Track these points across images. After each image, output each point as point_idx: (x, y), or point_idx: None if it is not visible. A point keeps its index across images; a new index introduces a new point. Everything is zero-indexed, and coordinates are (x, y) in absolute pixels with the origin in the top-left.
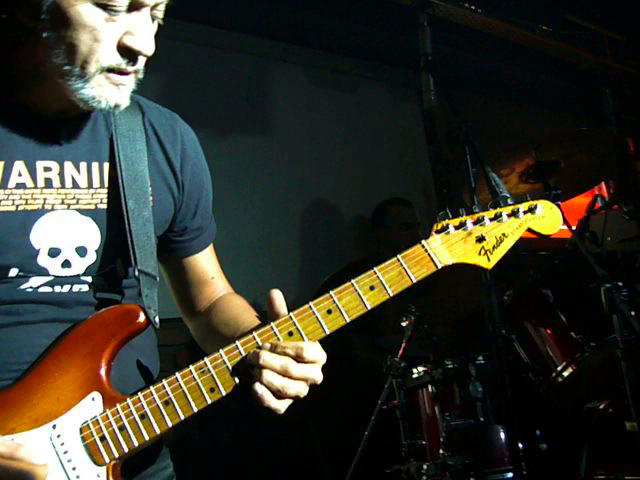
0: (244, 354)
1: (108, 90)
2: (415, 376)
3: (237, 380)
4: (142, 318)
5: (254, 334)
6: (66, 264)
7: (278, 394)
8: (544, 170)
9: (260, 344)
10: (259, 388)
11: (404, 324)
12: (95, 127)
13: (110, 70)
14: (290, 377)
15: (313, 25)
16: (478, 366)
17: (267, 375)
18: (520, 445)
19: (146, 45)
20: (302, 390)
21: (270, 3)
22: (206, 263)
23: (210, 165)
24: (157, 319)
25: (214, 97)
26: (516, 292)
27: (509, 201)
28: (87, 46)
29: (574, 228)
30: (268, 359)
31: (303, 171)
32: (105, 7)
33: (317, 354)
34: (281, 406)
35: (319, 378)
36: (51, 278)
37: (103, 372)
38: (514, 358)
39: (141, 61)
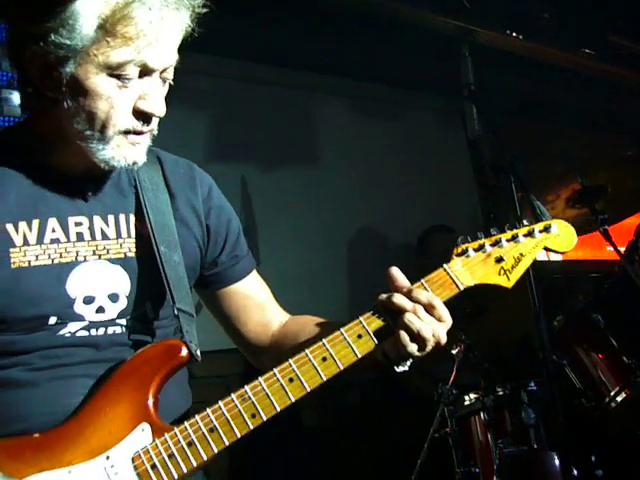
0: (281, 380)
1: (126, 150)
2: (467, 403)
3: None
4: (185, 352)
5: (290, 361)
6: (100, 310)
7: (416, 337)
8: (591, 195)
9: (296, 370)
10: (401, 335)
11: (454, 352)
12: (119, 182)
13: (127, 132)
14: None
15: (356, 57)
16: (530, 392)
17: (406, 318)
18: (575, 471)
19: (158, 108)
20: (437, 332)
21: (313, 37)
22: (254, 288)
23: (259, 198)
24: (198, 352)
25: (262, 132)
26: (566, 317)
27: (524, 222)
28: (104, 113)
29: (623, 251)
30: (401, 300)
31: (350, 201)
32: (118, 77)
33: (445, 313)
34: (420, 352)
35: (444, 338)
36: (87, 323)
37: (151, 404)
38: (566, 384)
39: (154, 122)
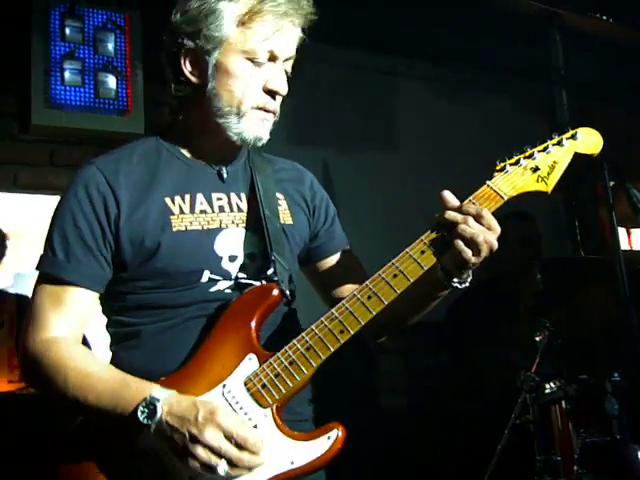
0: (361, 298)
1: (255, 125)
2: (548, 391)
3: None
4: (276, 292)
5: (366, 282)
6: (242, 267)
7: (470, 243)
8: None
9: (372, 288)
10: (456, 243)
11: (538, 339)
12: (245, 168)
13: (258, 108)
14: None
15: (436, 39)
16: (614, 382)
17: (459, 227)
18: None
19: (282, 86)
20: (488, 238)
21: (392, 19)
22: (348, 260)
23: (340, 181)
24: (288, 292)
25: (343, 115)
26: None
27: (554, 135)
28: (240, 90)
29: None
30: (452, 214)
31: (428, 185)
32: (252, 60)
33: (493, 222)
34: (475, 257)
35: (495, 244)
36: (232, 283)
37: (254, 337)
38: None
39: (278, 100)
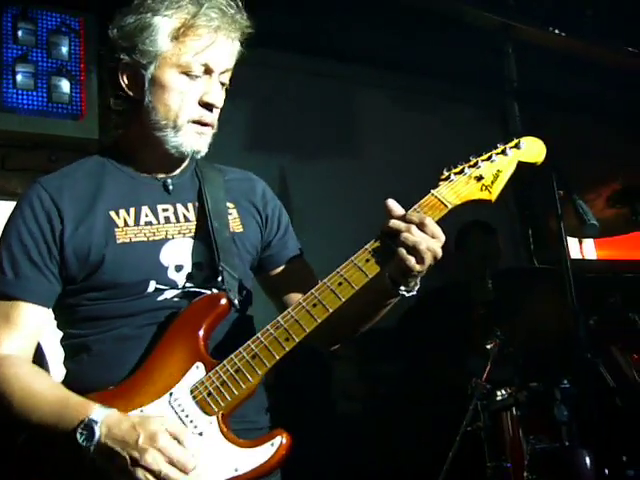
0: (306, 306)
1: (192, 138)
2: (499, 398)
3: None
4: (224, 301)
5: (312, 290)
6: (189, 277)
7: (413, 251)
8: (632, 195)
9: (317, 296)
10: (399, 251)
11: (489, 346)
12: (192, 178)
13: (194, 122)
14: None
15: (398, 49)
16: (563, 390)
17: (402, 236)
18: (606, 470)
19: (217, 99)
20: (432, 246)
21: (354, 28)
22: (302, 269)
23: (297, 188)
24: (236, 301)
25: (302, 122)
26: (602, 316)
27: (498, 145)
28: (177, 104)
29: None
30: (396, 223)
31: (388, 193)
32: (187, 74)
33: (437, 230)
34: (419, 265)
35: (439, 252)
36: (180, 291)
37: (202, 346)
38: (600, 382)
39: (215, 112)
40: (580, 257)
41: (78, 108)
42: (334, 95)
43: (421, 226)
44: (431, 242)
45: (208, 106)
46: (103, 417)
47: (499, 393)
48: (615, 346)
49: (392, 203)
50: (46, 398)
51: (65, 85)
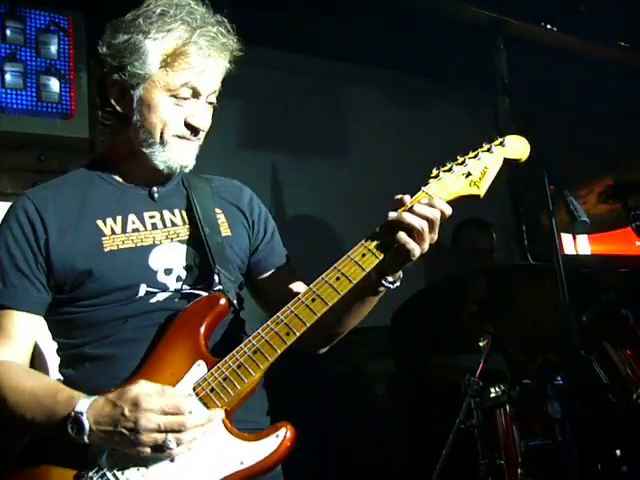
0: (305, 301)
1: (178, 153)
2: (493, 395)
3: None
4: (223, 301)
5: (310, 286)
6: (179, 279)
7: (414, 232)
8: (624, 190)
9: (316, 291)
10: (399, 235)
11: (482, 344)
12: (178, 187)
13: (179, 137)
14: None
15: (387, 46)
16: (556, 386)
17: (401, 218)
18: (599, 467)
19: (203, 123)
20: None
21: (344, 26)
22: (289, 275)
23: (289, 185)
24: (235, 302)
25: (294, 120)
26: (595, 312)
27: (483, 144)
28: (162, 122)
29: None
30: (392, 214)
31: (379, 190)
32: (175, 96)
33: (429, 211)
34: (418, 249)
35: (435, 234)
36: (171, 293)
37: (202, 345)
38: (593, 379)
39: (201, 134)
40: (574, 252)
41: (68, 107)
42: (327, 93)
43: (417, 210)
44: (425, 223)
45: (193, 128)
46: (87, 406)
47: (492, 390)
48: (608, 342)
49: (400, 196)
50: (37, 398)
51: (54, 84)
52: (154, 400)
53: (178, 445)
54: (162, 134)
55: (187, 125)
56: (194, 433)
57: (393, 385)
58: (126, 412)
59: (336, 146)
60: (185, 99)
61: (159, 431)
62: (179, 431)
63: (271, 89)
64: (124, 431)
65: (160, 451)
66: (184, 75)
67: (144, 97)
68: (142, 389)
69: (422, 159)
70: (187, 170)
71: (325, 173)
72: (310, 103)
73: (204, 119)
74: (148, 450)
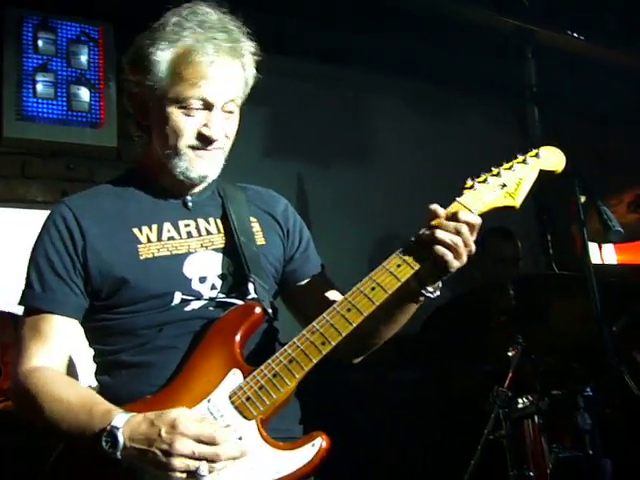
0: (341, 311)
1: (195, 163)
2: (521, 406)
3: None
4: (258, 310)
5: (345, 296)
6: (213, 287)
7: (450, 248)
8: None
9: (351, 301)
10: (436, 247)
11: (510, 354)
12: (213, 196)
13: (194, 147)
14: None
15: (412, 55)
16: (586, 397)
17: (437, 233)
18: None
19: (215, 134)
20: (465, 239)
21: (369, 35)
22: (324, 283)
23: (314, 194)
24: (270, 310)
25: (318, 129)
26: (626, 322)
27: (518, 155)
28: (175, 134)
29: None
30: (428, 231)
31: (402, 199)
32: (185, 107)
33: (469, 218)
34: (457, 263)
35: (472, 245)
36: (206, 302)
37: (238, 353)
38: (624, 390)
39: (218, 144)
40: (600, 262)
41: (97, 116)
42: (354, 103)
43: (454, 221)
44: (459, 239)
45: (205, 139)
46: (124, 422)
47: (521, 401)
48: (638, 352)
49: (436, 207)
50: (73, 408)
51: (84, 94)
52: (192, 426)
53: (210, 472)
54: (176, 145)
55: (199, 135)
56: (226, 463)
57: (418, 394)
58: (163, 433)
59: (362, 155)
60: (197, 109)
61: (192, 457)
62: (212, 461)
63: (297, 98)
64: (157, 452)
65: (191, 477)
66: (192, 85)
67: (158, 109)
68: (182, 413)
69: (450, 169)
70: (208, 180)
71: (351, 182)
72: (335, 113)
73: (216, 129)
74: (178, 475)
